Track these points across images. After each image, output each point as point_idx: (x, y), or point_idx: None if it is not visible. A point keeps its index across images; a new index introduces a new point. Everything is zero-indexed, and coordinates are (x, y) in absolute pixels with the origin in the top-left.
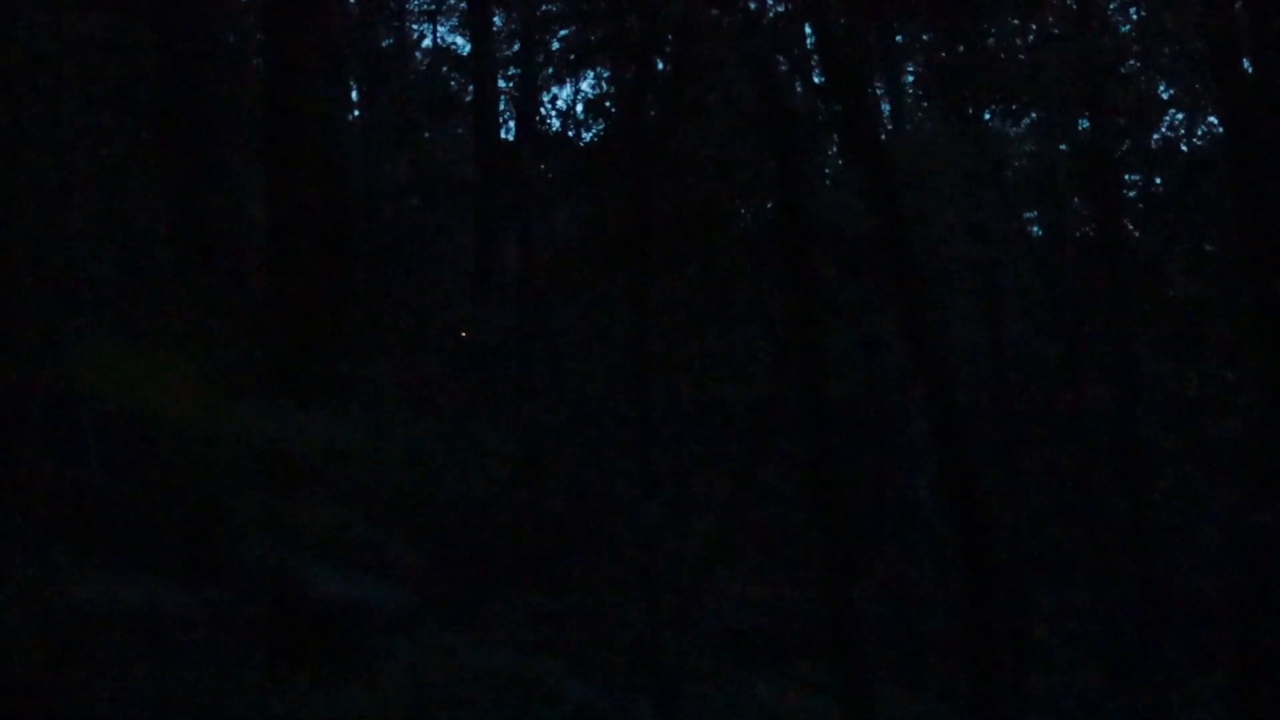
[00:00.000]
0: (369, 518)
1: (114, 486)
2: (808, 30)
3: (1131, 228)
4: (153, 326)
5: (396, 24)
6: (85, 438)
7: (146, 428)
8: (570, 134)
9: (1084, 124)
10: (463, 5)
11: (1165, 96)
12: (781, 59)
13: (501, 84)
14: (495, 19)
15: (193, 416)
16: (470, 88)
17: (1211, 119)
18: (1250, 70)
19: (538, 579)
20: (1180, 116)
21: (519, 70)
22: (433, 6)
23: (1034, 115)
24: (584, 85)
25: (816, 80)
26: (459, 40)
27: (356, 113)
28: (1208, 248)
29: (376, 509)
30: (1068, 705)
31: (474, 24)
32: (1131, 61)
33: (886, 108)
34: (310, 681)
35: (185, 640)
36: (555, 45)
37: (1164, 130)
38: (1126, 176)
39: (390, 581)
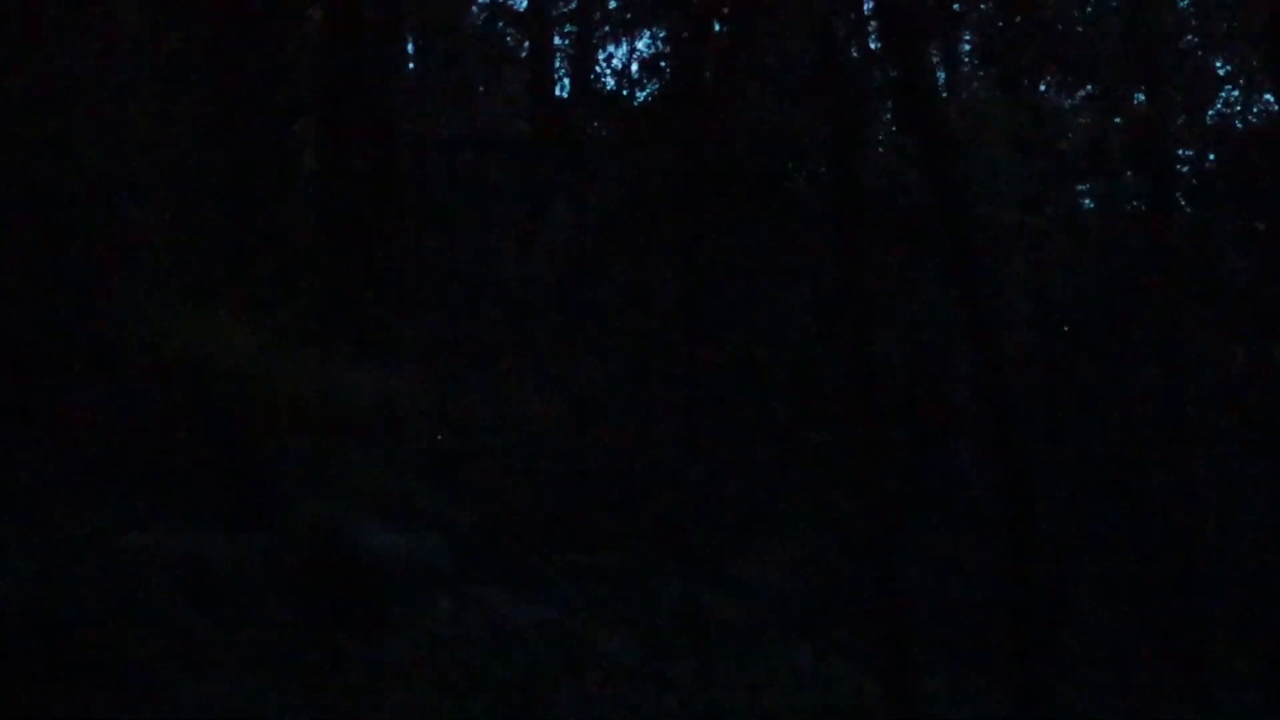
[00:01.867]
0: (415, 472)
1: (164, 436)
2: None
3: (1183, 203)
4: (207, 277)
5: None
6: (136, 385)
7: (198, 377)
8: (624, 93)
9: (1139, 98)
10: None
11: (1221, 72)
12: (839, 23)
13: (557, 41)
14: None
15: (244, 367)
16: (526, 44)
17: (1267, 96)
18: None
19: (579, 537)
20: (1236, 93)
21: (575, 28)
22: None
23: (1089, 88)
24: (640, 44)
25: (873, 45)
26: None
27: (411, 67)
28: (1259, 225)
29: (422, 464)
30: (1105, 678)
31: None
32: (1188, 36)
33: (941, 75)
34: (352, 632)
35: (230, 588)
36: (612, 3)
37: (1219, 106)
38: (1180, 152)
39: (434, 537)
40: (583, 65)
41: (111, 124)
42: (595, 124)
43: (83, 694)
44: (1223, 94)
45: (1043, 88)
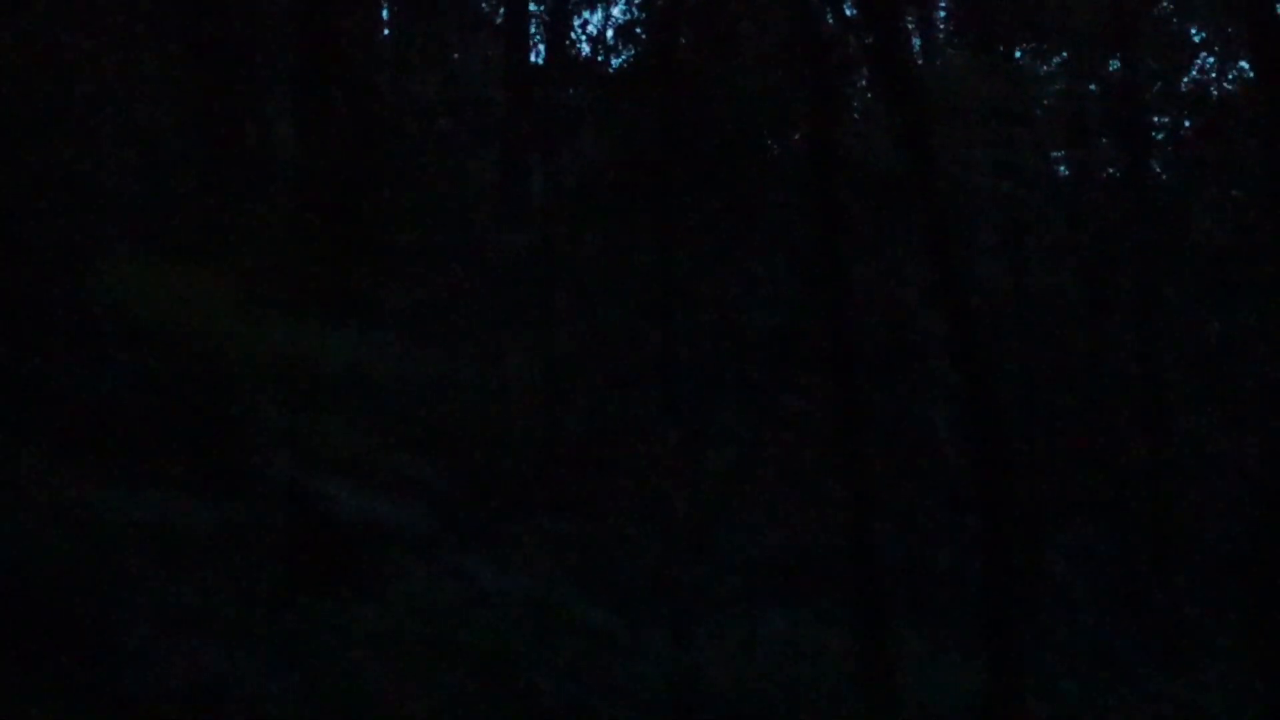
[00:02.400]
0: (390, 438)
1: (137, 399)
2: None
3: (1159, 170)
4: (180, 241)
5: None
6: (109, 350)
7: (171, 342)
8: (600, 59)
9: (1114, 65)
10: None
11: (1197, 39)
12: None
13: (532, 7)
14: None
15: (217, 332)
16: (501, 10)
17: (1242, 63)
18: None
19: (556, 504)
20: (1211, 60)
21: None
22: None
23: (1064, 54)
24: (615, 10)
25: (849, 12)
26: None
27: (386, 32)
28: (1234, 192)
29: (397, 430)
30: (1080, 645)
31: None
32: (1164, 3)
33: (917, 42)
34: (326, 600)
35: (202, 555)
36: None
37: (1194, 73)
38: (1155, 119)
39: (408, 503)
40: (558, 32)
41: (85, 88)
42: (571, 90)
43: (56, 661)
44: (1198, 61)
45: (1018, 55)
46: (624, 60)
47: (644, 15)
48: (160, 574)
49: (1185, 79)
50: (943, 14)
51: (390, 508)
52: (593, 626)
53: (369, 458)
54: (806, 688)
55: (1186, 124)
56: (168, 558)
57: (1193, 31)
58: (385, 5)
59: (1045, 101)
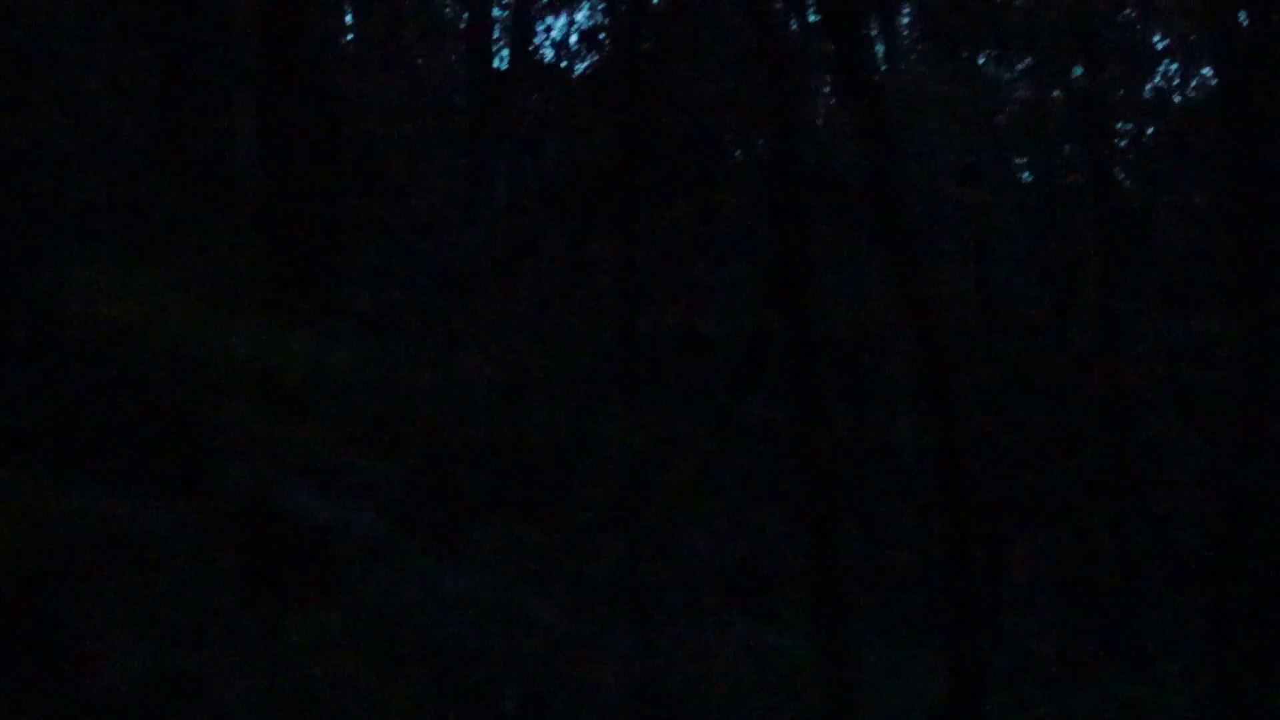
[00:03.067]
0: (350, 441)
1: (96, 401)
2: None
3: (1122, 176)
4: (141, 244)
5: None
6: (69, 351)
7: (132, 343)
8: (563, 65)
9: (1078, 71)
10: None
11: (1160, 46)
12: None
13: (496, 12)
14: None
15: (179, 334)
16: (464, 15)
17: (1205, 70)
18: (1246, 23)
19: (518, 508)
20: (1175, 67)
21: None
22: None
23: (1028, 60)
24: (578, 16)
25: (811, 18)
26: None
27: (349, 36)
28: (1196, 199)
29: (358, 432)
30: (1043, 649)
31: None
32: (1128, 10)
33: (880, 49)
34: (285, 602)
35: (162, 558)
36: None
37: (1158, 80)
38: (1119, 125)
39: (370, 505)
40: (521, 37)
41: (46, 87)
42: (534, 96)
43: (13, 663)
44: (1161, 68)
45: (981, 61)
46: (587, 66)
47: (607, 21)
48: (120, 576)
49: (1148, 86)
50: (906, 20)
51: (351, 510)
52: (554, 630)
53: (330, 460)
54: (767, 691)
55: (1149, 130)
56: (127, 559)
57: (1156, 39)
58: (348, 9)
59: (1008, 107)
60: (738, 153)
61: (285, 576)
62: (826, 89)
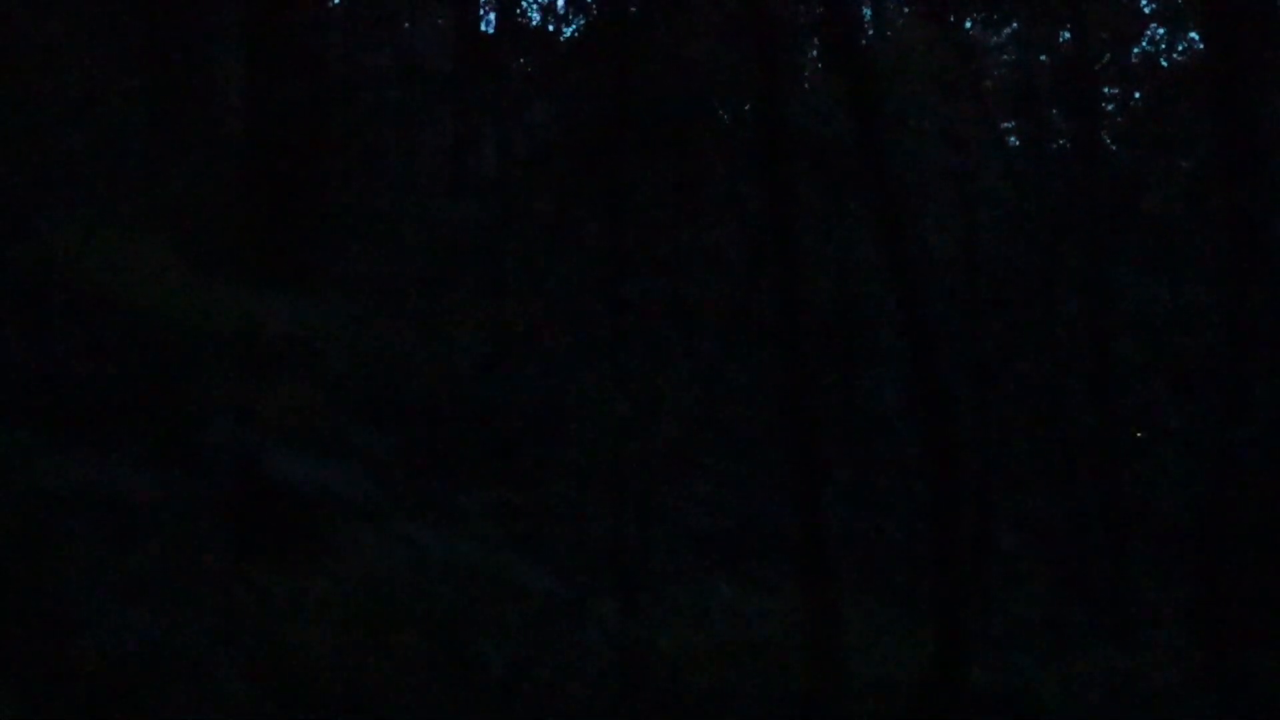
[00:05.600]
0: (337, 406)
1: (83, 368)
2: None
3: (1109, 141)
4: (128, 210)
5: None
6: (56, 317)
7: (119, 309)
8: (550, 28)
9: (1065, 36)
10: None
11: (1147, 10)
12: None
13: None
14: None
15: (165, 300)
16: None
17: (1192, 35)
18: None
19: (504, 474)
20: (1161, 31)
21: None
22: None
23: (1015, 25)
24: None
25: None
26: None
27: (337, 1)
28: (1183, 163)
29: (345, 398)
30: (1029, 616)
31: None
32: None
33: (868, 13)
34: (273, 567)
35: (150, 523)
36: None
37: (1144, 45)
38: (1105, 90)
39: (357, 471)
40: (509, 1)
41: (34, 55)
42: (521, 60)
43: (3, 628)
44: (1148, 32)
45: (968, 26)
46: (574, 29)
47: None
48: (108, 542)
49: (1135, 50)
50: None
51: (338, 476)
52: (541, 595)
53: (317, 426)
54: (754, 657)
55: (1136, 95)
56: (116, 526)
57: (1143, 2)
58: None
59: (995, 72)
60: (725, 117)
61: (273, 542)
62: (814, 53)
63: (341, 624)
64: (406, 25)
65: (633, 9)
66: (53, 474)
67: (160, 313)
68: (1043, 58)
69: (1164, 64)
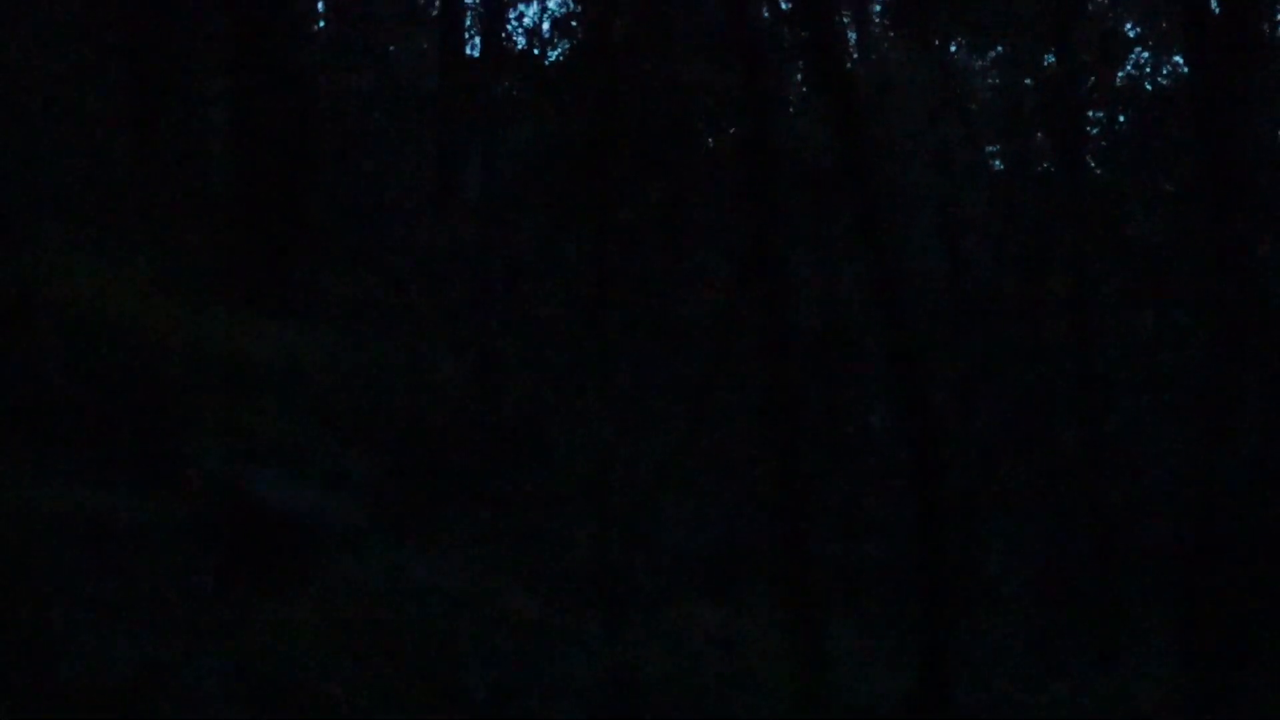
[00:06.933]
0: (323, 429)
1: (68, 388)
2: None
3: (1093, 164)
4: (114, 232)
5: None
6: (41, 338)
7: (105, 331)
8: (536, 52)
9: (1049, 59)
10: None
11: (1132, 34)
12: None
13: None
14: None
15: (151, 322)
16: (436, 1)
17: (1176, 58)
18: (1217, 11)
19: (490, 496)
20: (1146, 55)
21: None
22: None
23: (999, 48)
24: (550, 3)
25: (784, 5)
26: None
27: (321, 24)
28: (1168, 186)
29: (330, 421)
30: (1015, 639)
31: None
32: None
33: (853, 36)
34: (258, 590)
35: (134, 546)
36: None
37: (1129, 68)
38: (1090, 113)
39: (341, 494)
40: (494, 23)
41: (20, 76)
42: (507, 83)
43: None
44: (1133, 56)
45: (953, 48)
46: (560, 52)
47: (579, 8)
48: (94, 565)
49: (1120, 73)
50: (879, 7)
51: (323, 499)
52: (525, 618)
53: (302, 449)
54: (739, 680)
55: (1121, 118)
56: (101, 548)
57: (1128, 26)
58: None
59: (980, 95)
60: (710, 140)
61: (258, 564)
62: (799, 76)
63: (326, 647)
64: (391, 48)
65: (618, 32)
66: (36, 497)
67: (147, 334)
68: (1028, 81)
69: (1148, 87)
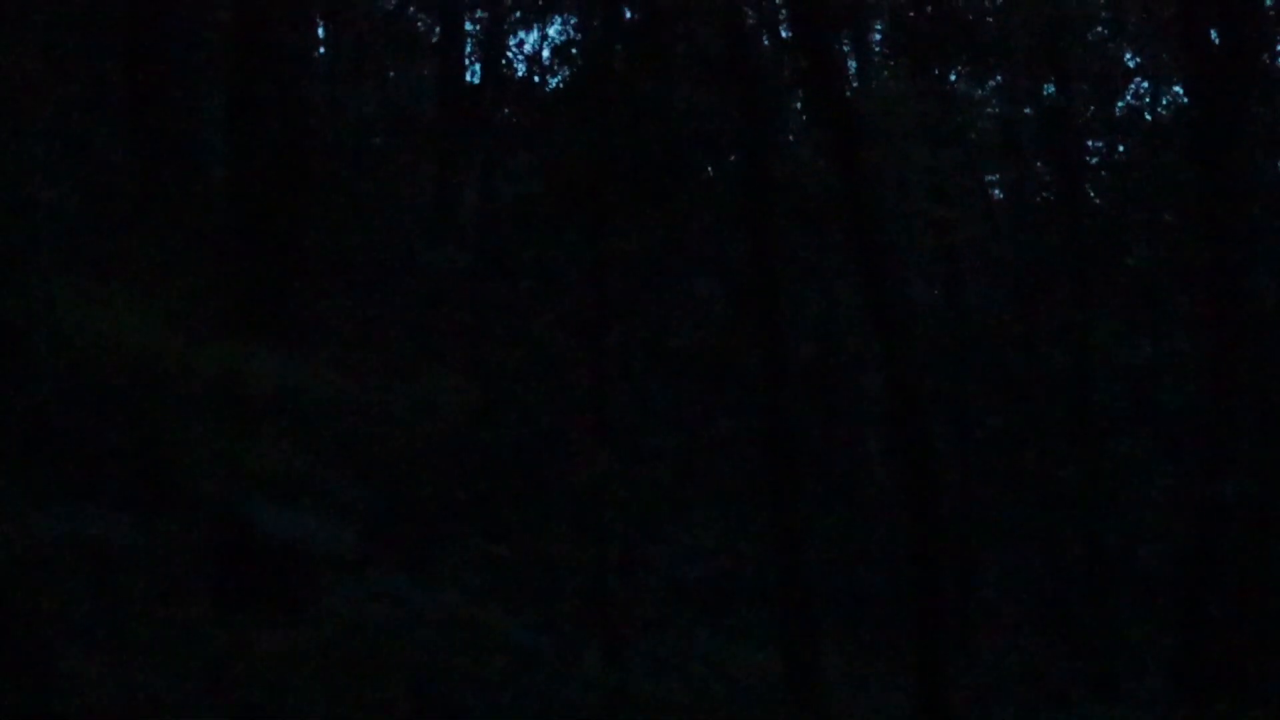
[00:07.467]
0: (320, 458)
1: (66, 416)
2: None
3: (1092, 194)
4: (112, 261)
5: None
6: (39, 365)
7: (103, 358)
8: (535, 79)
9: (1049, 88)
10: None
11: (1131, 64)
12: (750, 12)
13: (468, 26)
14: None
15: (149, 351)
16: (436, 29)
17: (1176, 88)
18: (1216, 41)
19: (487, 525)
20: (1145, 85)
21: (486, 13)
22: None
23: (999, 78)
24: (551, 30)
25: (784, 34)
26: None
27: (321, 50)
28: (1166, 216)
29: (327, 450)
30: (1011, 667)
31: None
32: (1099, 28)
33: (852, 65)
34: (255, 619)
35: (132, 574)
36: None
37: (1128, 98)
38: (1089, 142)
39: (338, 522)
40: (494, 51)
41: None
42: (506, 110)
43: None
44: (1132, 86)
45: (953, 78)
46: (560, 80)
47: (580, 36)
48: (91, 593)
49: (1119, 103)
50: (878, 36)
51: (320, 527)
52: (523, 646)
53: (299, 478)
54: (736, 707)
55: (1120, 148)
56: (99, 576)
57: (1127, 56)
58: (321, 23)
59: (979, 124)
60: (709, 168)
61: (255, 593)
62: (798, 105)
63: (322, 676)
64: (391, 74)
65: (617, 60)
66: (35, 524)
67: (145, 362)
68: (1027, 110)
69: (1148, 117)
